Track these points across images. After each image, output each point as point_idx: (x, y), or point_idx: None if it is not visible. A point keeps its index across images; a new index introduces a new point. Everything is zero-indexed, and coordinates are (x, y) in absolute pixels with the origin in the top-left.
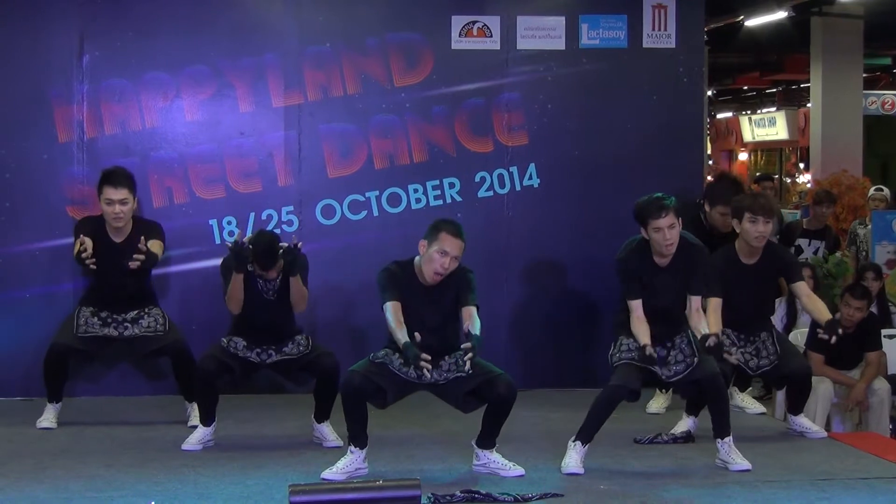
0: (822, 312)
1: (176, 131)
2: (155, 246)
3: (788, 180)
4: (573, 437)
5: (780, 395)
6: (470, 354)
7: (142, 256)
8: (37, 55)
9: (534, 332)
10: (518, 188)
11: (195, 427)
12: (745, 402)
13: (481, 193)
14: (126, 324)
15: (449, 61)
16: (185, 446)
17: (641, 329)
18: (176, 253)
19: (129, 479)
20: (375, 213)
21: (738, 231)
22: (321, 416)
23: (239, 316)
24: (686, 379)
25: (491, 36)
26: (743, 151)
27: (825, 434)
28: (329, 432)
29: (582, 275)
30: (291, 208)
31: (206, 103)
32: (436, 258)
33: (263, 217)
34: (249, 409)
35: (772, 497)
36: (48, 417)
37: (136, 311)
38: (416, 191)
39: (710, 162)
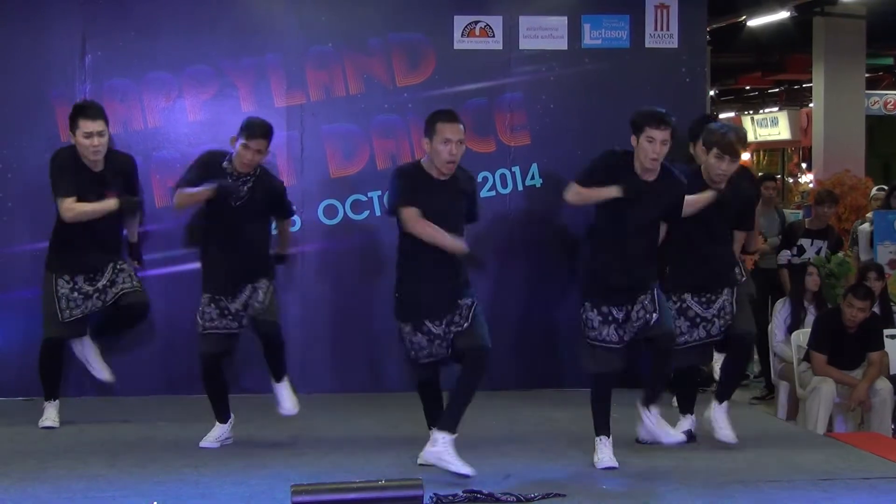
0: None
1: (178, 131)
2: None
3: (791, 180)
4: (596, 434)
5: (783, 397)
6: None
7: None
8: (38, 55)
9: (536, 332)
10: (520, 188)
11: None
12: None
13: (483, 193)
14: (107, 290)
15: (451, 61)
16: (203, 443)
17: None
18: (178, 253)
19: (131, 480)
20: (378, 213)
21: (700, 160)
22: (277, 375)
23: (210, 249)
24: (640, 336)
25: (493, 36)
26: (745, 151)
27: (731, 437)
28: (287, 396)
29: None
30: (293, 208)
31: (208, 103)
32: (441, 149)
33: None
34: (251, 410)
35: (774, 497)
36: (50, 416)
37: (109, 271)
38: None
39: None
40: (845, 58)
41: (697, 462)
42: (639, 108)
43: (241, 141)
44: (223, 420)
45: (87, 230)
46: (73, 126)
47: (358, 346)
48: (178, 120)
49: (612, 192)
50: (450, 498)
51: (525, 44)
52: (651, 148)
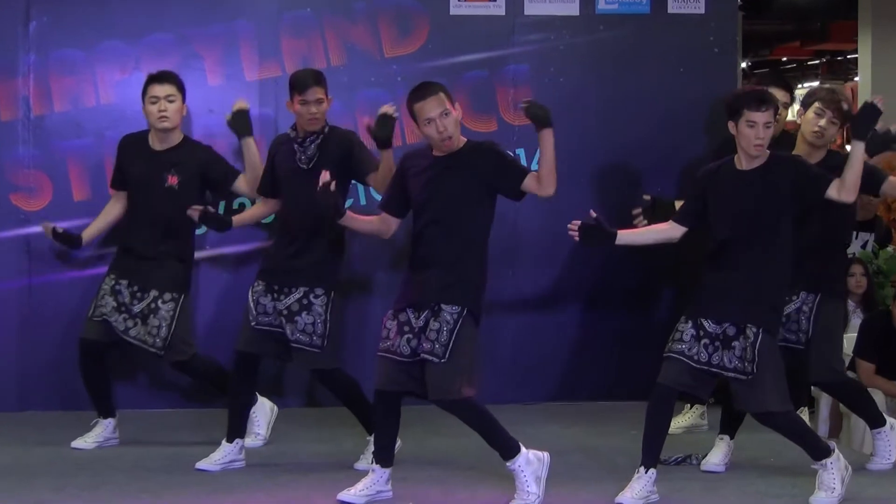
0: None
1: (135, 108)
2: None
3: None
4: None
5: (825, 411)
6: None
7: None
8: None
9: (547, 338)
10: None
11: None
12: None
13: None
14: (136, 318)
15: (447, 28)
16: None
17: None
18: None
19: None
20: (363, 201)
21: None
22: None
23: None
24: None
25: (495, 0)
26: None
27: None
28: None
29: (600, 272)
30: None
31: None
32: (428, 131)
33: (235, 205)
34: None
35: None
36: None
37: (150, 292)
38: None
39: None
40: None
41: (728, 485)
42: (734, 91)
43: (298, 98)
44: (232, 439)
45: (155, 212)
46: (144, 95)
47: (353, 354)
48: (136, 96)
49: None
50: None
51: (531, 8)
52: (752, 133)
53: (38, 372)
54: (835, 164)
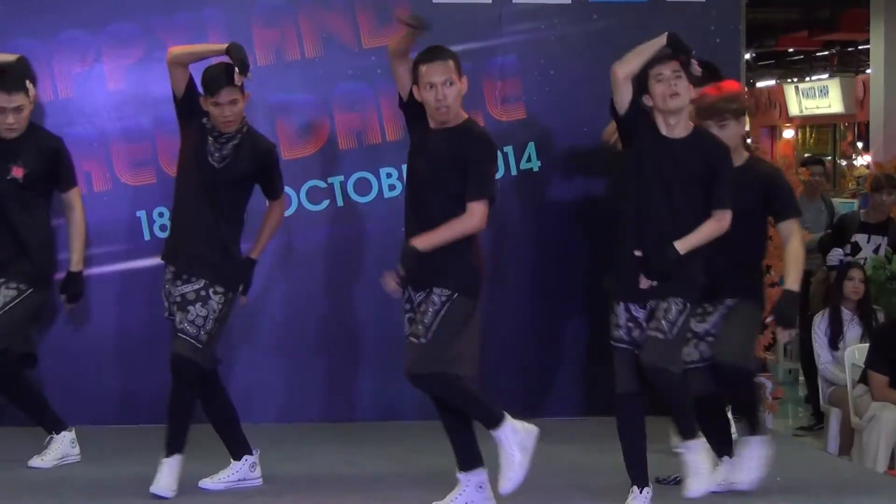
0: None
1: (96, 103)
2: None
3: (844, 163)
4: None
5: (834, 427)
6: None
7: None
8: None
9: (535, 349)
10: (514, 172)
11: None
12: None
13: None
14: None
15: (430, 17)
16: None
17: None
18: (96, 252)
19: None
20: (340, 202)
21: None
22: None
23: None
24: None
25: None
26: (788, 127)
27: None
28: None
29: (592, 276)
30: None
31: (133, 68)
32: (427, 97)
33: None
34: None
35: None
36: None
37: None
38: (389, 175)
39: (749, 140)
40: None
41: None
42: None
43: (210, 100)
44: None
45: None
46: None
47: (313, 356)
48: (96, 89)
49: None
50: None
51: None
52: (664, 88)
53: None
54: (748, 178)
